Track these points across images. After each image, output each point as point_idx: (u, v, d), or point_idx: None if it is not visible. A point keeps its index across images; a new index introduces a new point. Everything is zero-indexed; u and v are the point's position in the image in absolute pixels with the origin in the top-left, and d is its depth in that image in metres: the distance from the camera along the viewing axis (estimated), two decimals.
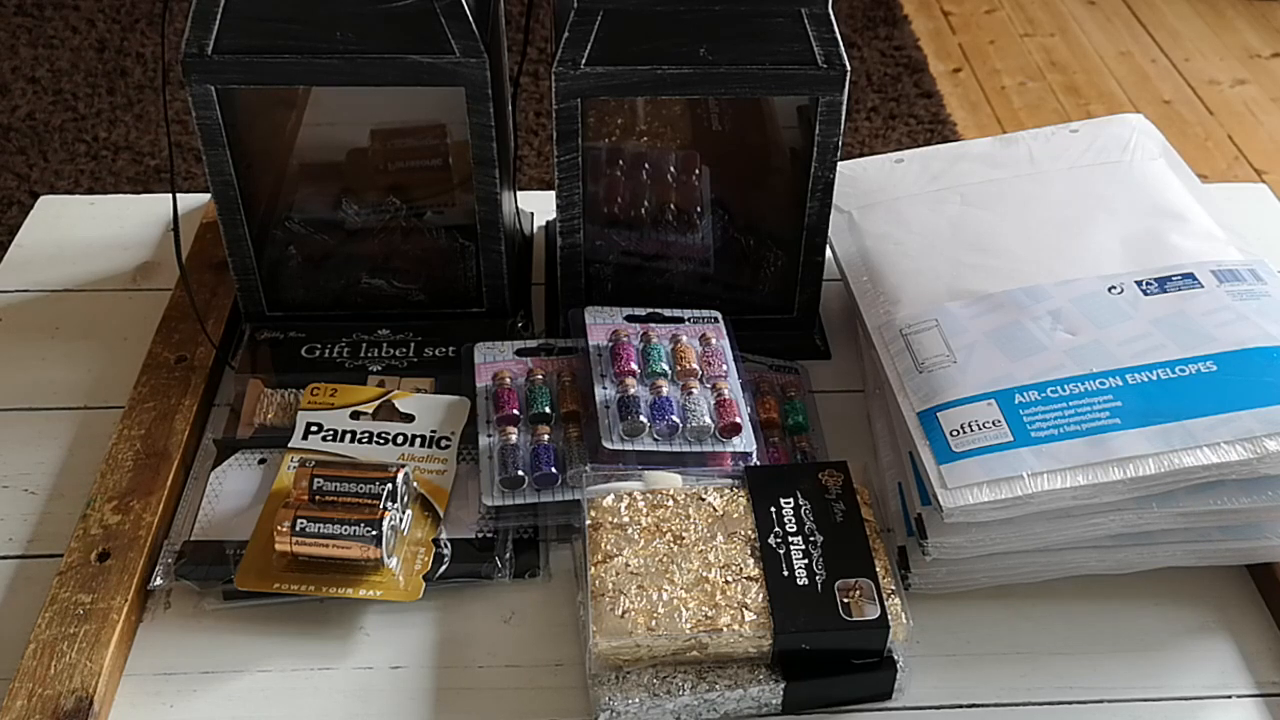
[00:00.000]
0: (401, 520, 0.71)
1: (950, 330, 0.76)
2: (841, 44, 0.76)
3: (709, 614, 0.64)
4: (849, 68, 0.77)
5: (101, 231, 1.01)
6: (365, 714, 0.66)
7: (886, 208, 0.88)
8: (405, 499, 0.72)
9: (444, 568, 0.71)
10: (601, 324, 0.81)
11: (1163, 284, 0.77)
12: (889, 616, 0.64)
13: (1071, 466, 0.67)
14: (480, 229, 0.85)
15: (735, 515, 0.69)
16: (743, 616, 0.64)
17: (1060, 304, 0.76)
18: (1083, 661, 0.69)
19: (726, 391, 0.76)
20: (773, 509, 0.69)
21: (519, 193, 1.01)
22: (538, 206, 1.03)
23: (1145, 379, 0.70)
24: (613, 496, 0.70)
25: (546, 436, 0.75)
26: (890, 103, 2.39)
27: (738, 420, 0.74)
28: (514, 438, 0.75)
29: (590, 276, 0.88)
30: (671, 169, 0.91)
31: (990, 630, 0.71)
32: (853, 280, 0.85)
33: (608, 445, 0.73)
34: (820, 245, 0.85)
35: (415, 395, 0.80)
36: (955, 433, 0.70)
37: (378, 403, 0.79)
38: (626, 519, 0.69)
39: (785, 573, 0.66)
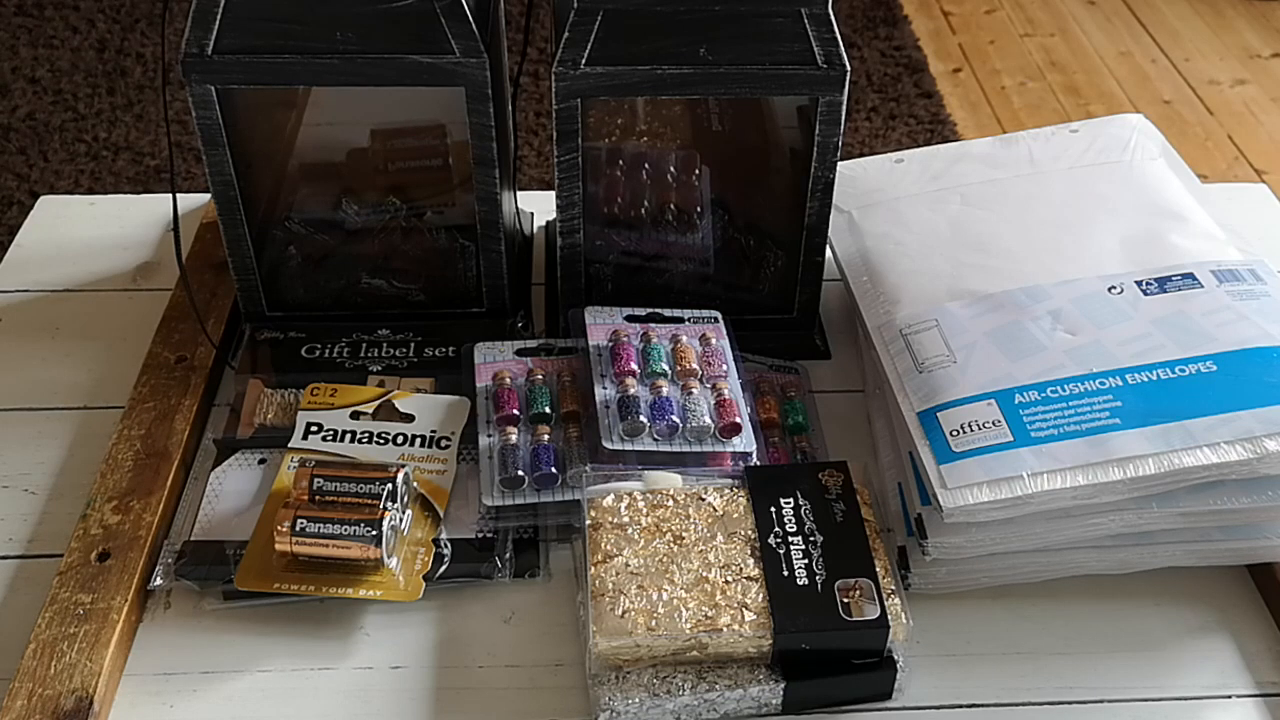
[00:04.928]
0: (401, 520, 0.71)
1: (950, 330, 0.76)
2: (841, 44, 0.76)
3: (709, 614, 0.64)
4: (849, 68, 0.77)
5: (101, 231, 1.01)
6: (365, 714, 0.66)
7: (886, 208, 0.88)
8: (405, 499, 0.72)
9: (444, 568, 0.71)
10: (601, 324, 0.81)
11: (1163, 284, 0.77)
12: (889, 616, 0.64)
13: (1071, 466, 0.67)
14: (480, 229, 0.85)
15: (735, 515, 0.69)
16: (743, 616, 0.64)
17: (1060, 304, 0.76)
18: (1083, 661, 0.69)
19: (726, 391, 0.76)
20: (773, 509, 0.69)
21: (519, 193, 1.01)
22: (538, 206, 1.03)
23: (1145, 379, 0.70)
24: (613, 496, 0.70)
25: (546, 436, 0.75)
26: (890, 103, 2.39)
27: (738, 420, 0.74)
28: (514, 438, 0.75)
29: (590, 276, 0.88)
30: (671, 169, 0.91)
31: (990, 630, 0.71)
32: (853, 280, 0.85)
33: (608, 445, 0.73)
34: (820, 245, 0.85)
35: (415, 395, 0.80)
36: (955, 433, 0.70)
37: (378, 403, 0.79)
38: (626, 519, 0.69)
39: (785, 573, 0.66)
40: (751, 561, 0.67)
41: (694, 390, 0.76)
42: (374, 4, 0.75)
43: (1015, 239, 0.83)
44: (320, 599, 0.70)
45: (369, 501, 0.70)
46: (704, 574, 0.66)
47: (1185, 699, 0.67)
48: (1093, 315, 0.75)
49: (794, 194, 0.84)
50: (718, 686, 0.64)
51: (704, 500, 0.70)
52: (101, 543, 0.71)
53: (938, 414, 0.71)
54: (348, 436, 0.77)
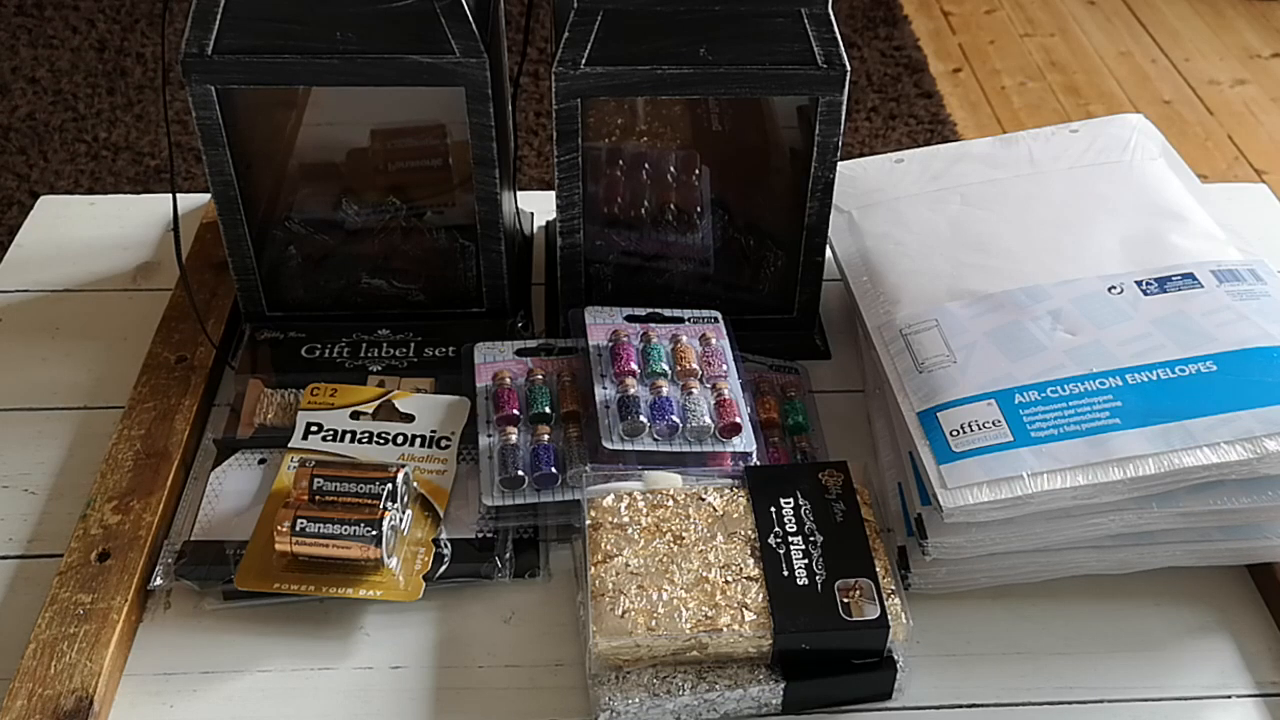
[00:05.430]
0: (401, 520, 0.71)
1: (950, 330, 0.76)
2: (841, 44, 0.76)
3: (709, 614, 0.64)
4: (849, 68, 0.77)
5: (101, 231, 1.01)
6: (365, 714, 0.66)
7: (886, 208, 0.88)
8: (405, 499, 0.72)
9: (444, 568, 0.71)
10: (601, 324, 0.81)
11: (1163, 284, 0.77)
12: (889, 616, 0.64)
13: (1071, 466, 0.67)
14: (480, 229, 0.85)
15: (735, 515, 0.69)
16: (743, 616, 0.64)
17: (1060, 304, 0.76)
18: (1083, 661, 0.69)
19: (726, 391, 0.76)
20: (773, 509, 0.69)
21: (519, 193, 1.01)
22: (538, 206, 1.03)
23: (1145, 379, 0.70)
24: (613, 496, 0.70)
25: (546, 436, 0.75)
26: (890, 103, 2.39)
27: (738, 420, 0.74)
28: (514, 438, 0.75)
29: (590, 276, 0.88)
30: (671, 169, 0.91)
31: (990, 630, 0.71)
32: (853, 280, 0.85)
33: (608, 445, 0.73)
34: (820, 245, 0.85)
35: (415, 395, 0.80)
36: (955, 433, 0.70)
37: (378, 403, 0.79)
38: (626, 519, 0.69)
39: (785, 573, 0.66)
40: (751, 561, 0.67)
41: (694, 390, 0.76)
42: (374, 4, 0.75)
43: (1015, 239, 0.83)
44: (320, 599, 0.70)
45: (369, 501, 0.70)
46: (704, 574, 0.66)
47: (1185, 699, 0.67)
48: (1093, 315, 0.75)
49: (794, 194, 0.84)
50: (718, 686, 0.64)
51: (704, 500, 0.70)
52: (101, 543, 0.71)
53: (938, 414, 0.71)
54: (348, 436, 0.77)
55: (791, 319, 0.89)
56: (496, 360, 0.81)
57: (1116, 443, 0.68)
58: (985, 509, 0.67)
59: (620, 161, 0.90)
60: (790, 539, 0.68)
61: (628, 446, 0.73)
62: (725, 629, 0.64)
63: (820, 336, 0.91)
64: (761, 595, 0.65)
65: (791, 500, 0.70)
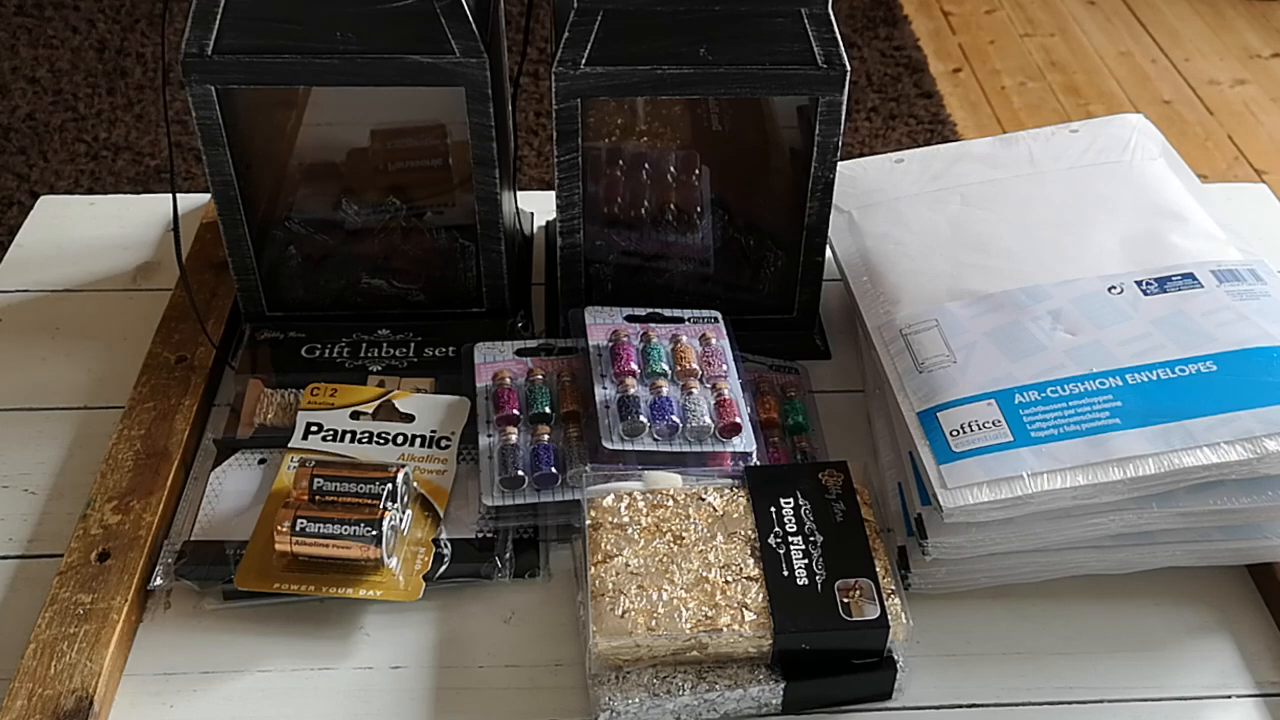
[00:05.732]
0: (401, 520, 0.71)
1: (950, 330, 0.76)
2: (841, 44, 0.76)
3: (709, 614, 0.64)
4: (849, 68, 0.77)
5: (101, 231, 1.01)
6: (365, 714, 0.66)
7: (886, 208, 0.88)
8: (405, 499, 0.72)
9: (444, 568, 0.71)
10: (601, 324, 0.81)
11: (1163, 284, 0.77)
12: (889, 616, 0.64)
13: (1071, 466, 0.67)
14: (480, 229, 0.85)
15: (735, 515, 0.69)
16: (743, 616, 0.64)
17: (1060, 304, 0.76)
18: (1083, 661, 0.69)
19: (726, 391, 0.76)
20: (773, 509, 0.69)
21: (519, 193, 1.01)
22: (538, 206, 1.03)
23: (1145, 379, 0.70)
24: (613, 496, 0.70)
25: (546, 436, 0.75)
26: (890, 103, 2.39)
27: (738, 420, 0.74)
28: (514, 438, 0.75)
29: (590, 276, 0.88)
30: (671, 169, 0.91)
31: (990, 630, 0.71)
32: (853, 280, 0.85)
33: (608, 445, 0.73)
34: (820, 245, 0.85)
35: (415, 395, 0.80)
36: (955, 433, 0.70)
37: (378, 403, 0.79)
38: (626, 519, 0.69)
39: (785, 573, 0.66)
40: (751, 561, 0.67)
41: (694, 390, 0.76)
42: (374, 4, 0.75)
43: (1015, 239, 0.83)
44: (320, 599, 0.70)
45: (369, 501, 0.70)
46: (704, 574, 0.66)
47: (1185, 699, 0.67)
48: (1093, 315, 0.75)
49: (794, 194, 0.84)
50: (718, 686, 0.64)
51: (704, 500, 0.70)
52: (101, 543, 0.71)
53: (938, 414, 0.71)
54: (348, 436, 0.77)
55: (791, 319, 0.89)
56: (496, 360, 0.81)
57: (1116, 443, 0.68)
58: (985, 509, 0.67)
59: (620, 161, 0.90)
60: (790, 539, 0.68)
61: (628, 446, 0.73)
62: (725, 629, 0.64)
63: (820, 336, 0.91)
64: (761, 595, 0.65)
65: (791, 500, 0.70)
